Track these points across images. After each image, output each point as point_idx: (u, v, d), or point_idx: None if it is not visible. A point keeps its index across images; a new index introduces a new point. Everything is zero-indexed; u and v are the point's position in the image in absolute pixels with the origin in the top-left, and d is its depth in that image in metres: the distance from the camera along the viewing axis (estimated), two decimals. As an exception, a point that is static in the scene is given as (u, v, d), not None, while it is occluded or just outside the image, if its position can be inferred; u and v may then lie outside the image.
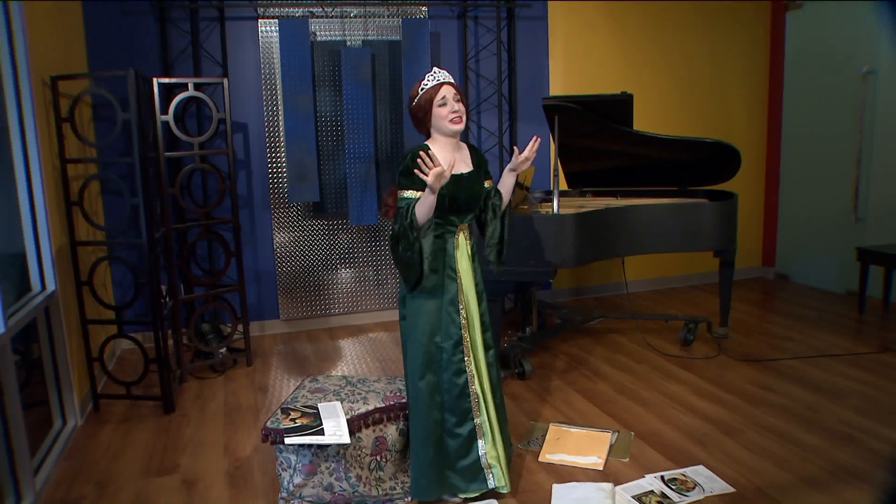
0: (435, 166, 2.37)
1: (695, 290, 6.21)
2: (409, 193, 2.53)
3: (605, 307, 5.70)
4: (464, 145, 2.75)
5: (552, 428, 3.39)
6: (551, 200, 4.74)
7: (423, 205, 2.45)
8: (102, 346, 3.91)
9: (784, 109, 6.34)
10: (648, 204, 4.19)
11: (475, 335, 2.70)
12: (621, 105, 3.95)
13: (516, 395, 3.90)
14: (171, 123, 4.10)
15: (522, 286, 4.72)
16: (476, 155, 2.75)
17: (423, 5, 5.18)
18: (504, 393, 3.95)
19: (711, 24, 6.12)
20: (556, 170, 3.81)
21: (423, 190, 2.47)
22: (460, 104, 2.60)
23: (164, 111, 4.10)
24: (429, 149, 2.57)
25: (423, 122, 2.63)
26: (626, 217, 4.00)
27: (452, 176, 2.59)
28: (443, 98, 2.55)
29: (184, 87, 4.18)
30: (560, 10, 5.62)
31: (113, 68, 4.06)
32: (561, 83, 5.71)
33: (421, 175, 2.37)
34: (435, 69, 2.61)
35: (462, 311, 2.65)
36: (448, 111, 2.56)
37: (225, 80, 4.28)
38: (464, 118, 2.60)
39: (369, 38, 5.15)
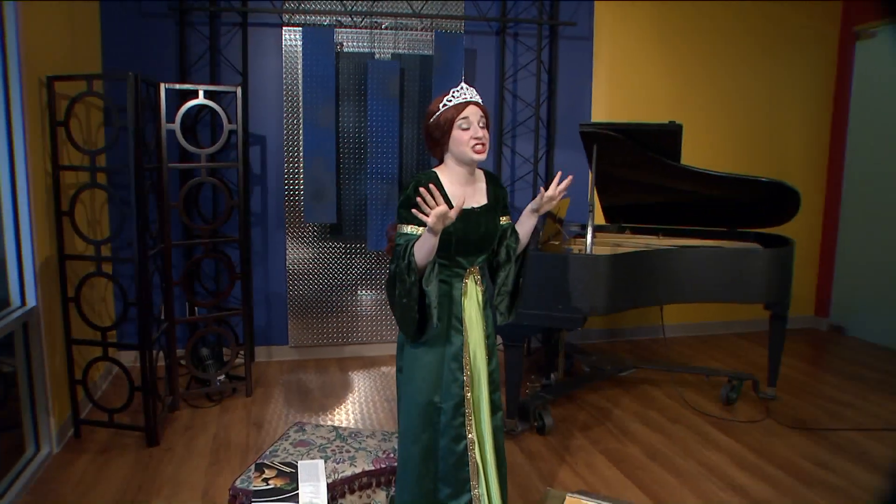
0: (438, 204, 1.99)
1: (738, 339, 5.70)
2: (410, 229, 2.16)
3: (638, 352, 5.24)
4: (481, 174, 2.39)
5: (569, 500, 2.96)
6: (586, 236, 4.34)
7: (423, 246, 2.08)
8: (87, 368, 3.61)
9: (848, 147, 5.83)
10: (693, 247, 3.76)
11: (480, 395, 2.30)
12: (669, 136, 3.53)
13: (533, 452, 3.49)
14: (178, 132, 3.81)
15: (549, 329, 4.31)
16: (494, 187, 2.38)
17: (459, 19, 4.84)
18: (520, 449, 3.55)
19: (771, 52, 5.66)
20: (591, 204, 3.40)
21: (424, 227, 2.11)
22: (485, 130, 2.23)
23: (171, 119, 3.81)
24: (437, 178, 2.22)
25: (438, 143, 2.26)
26: (668, 261, 3.57)
27: (463, 210, 2.23)
28: (466, 120, 2.19)
29: (194, 94, 3.90)
30: (606, 31, 5.24)
31: (116, 70, 3.80)
32: (604, 109, 5.31)
33: (419, 214, 2.01)
34: (463, 85, 2.24)
35: (467, 369, 2.26)
36: (470, 136, 2.19)
37: (238, 89, 3.99)
38: (487, 147, 2.23)
39: (399, 51, 4.83)
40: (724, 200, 4.08)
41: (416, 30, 4.84)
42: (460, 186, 2.25)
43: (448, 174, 2.27)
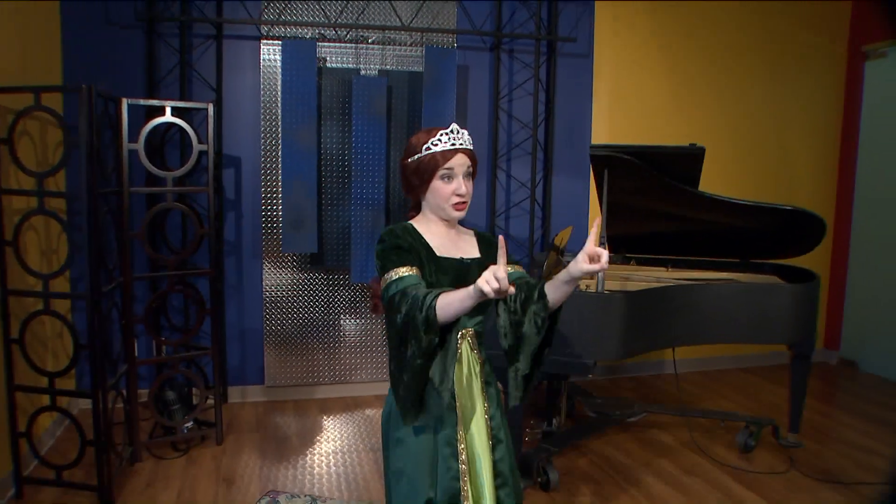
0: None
1: (746, 375, 5.35)
2: (405, 272, 1.79)
3: (643, 391, 4.87)
4: (466, 232, 2.04)
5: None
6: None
7: (453, 304, 1.64)
8: (32, 418, 3.19)
9: (858, 172, 5.55)
10: (714, 282, 3.41)
11: (482, 490, 1.85)
12: (689, 160, 3.20)
13: (538, 514, 3.10)
14: (142, 153, 3.43)
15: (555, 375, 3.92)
16: (484, 243, 2.03)
17: (451, 33, 4.50)
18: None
19: (777, 71, 5.38)
20: (604, 237, 3.04)
21: (412, 265, 1.79)
22: (470, 182, 1.89)
23: (135, 138, 3.43)
24: (413, 230, 1.90)
25: (413, 189, 1.92)
26: (688, 298, 3.22)
27: (454, 261, 1.89)
28: (450, 171, 1.85)
29: (161, 111, 3.52)
30: (607, 48, 4.93)
31: (71, 83, 3.42)
32: (605, 130, 4.98)
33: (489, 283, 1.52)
34: (454, 126, 1.88)
35: (462, 455, 1.85)
36: (452, 191, 1.86)
37: (211, 106, 3.61)
38: (468, 203, 1.89)
39: (387, 67, 4.48)
40: (740, 230, 3.75)
41: (405, 44, 4.50)
42: (442, 239, 1.92)
43: (426, 225, 1.93)
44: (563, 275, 1.74)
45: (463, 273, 1.88)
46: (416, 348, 1.69)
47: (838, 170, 5.69)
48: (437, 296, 1.65)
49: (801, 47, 5.42)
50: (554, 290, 1.77)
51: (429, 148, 1.85)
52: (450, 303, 1.63)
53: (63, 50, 4.04)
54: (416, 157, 1.87)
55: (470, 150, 1.89)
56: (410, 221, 1.95)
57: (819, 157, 5.63)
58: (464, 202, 1.87)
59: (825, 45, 5.50)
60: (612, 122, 4.99)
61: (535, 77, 4.63)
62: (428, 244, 1.88)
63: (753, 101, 5.34)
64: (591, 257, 1.64)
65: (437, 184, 1.85)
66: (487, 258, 1.95)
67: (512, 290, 1.55)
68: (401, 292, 1.74)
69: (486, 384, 1.93)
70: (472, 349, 1.90)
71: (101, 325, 3.12)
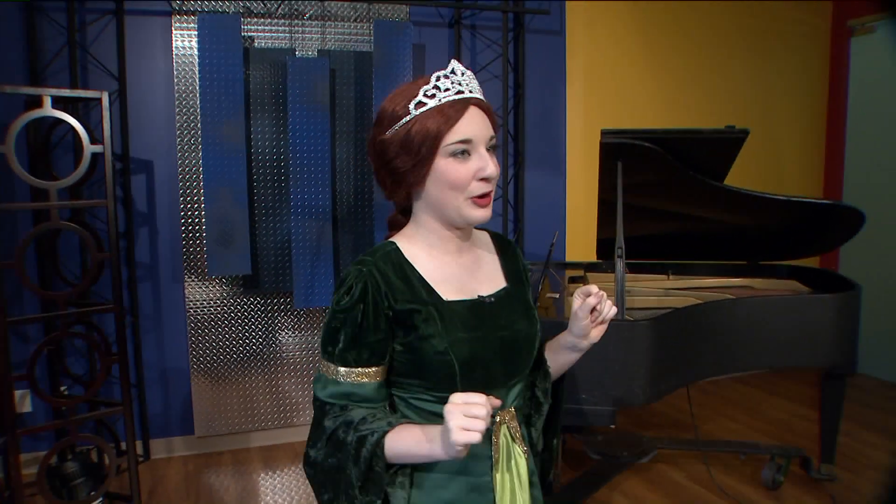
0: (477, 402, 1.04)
1: (741, 386, 4.80)
2: (349, 375, 1.18)
3: (647, 417, 4.24)
4: (480, 237, 1.36)
5: None
6: (584, 281, 3.37)
7: (410, 452, 1.13)
8: None
9: (847, 157, 5.09)
10: (745, 296, 2.82)
11: None
12: (724, 148, 2.57)
13: None
14: (11, 158, 2.61)
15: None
16: (508, 256, 1.36)
17: (403, 3, 3.77)
18: None
19: (760, 49, 4.86)
20: (620, 248, 2.39)
21: (375, 367, 1.16)
22: (494, 158, 1.19)
23: (1, 139, 2.62)
24: (399, 257, 1.22)
25: (402, 180, 1.20)
26: (718, 318, 2.60)
27: (468, 305, 1.21)
28: (467, 143, 1.15)
29: (36, 102, 2.71)
30: (582, 25, 4.30)
31: None
32: (581, 116, 4.36)
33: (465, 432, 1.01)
34: (454, 65, 1.18)
35: None
36: (470, 174, 1.16)
37: (104, 96, 2.82)
38: (493, 195, 1.21)
39: (328, 47, 3.74)
40: (758, 228, 3.18)
41: (349, 20, 3.77)
42: (450, 265, 1.23)
43: (422, 245, 1.23)
44: (566, 340, 1.31)
45: (490, 319, 1.21)
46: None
47: (825, 152, 5.23)
48: (382, 435, 1.10)
49: (784, 23, 4.92)
50: (554, 356, 1.35)
51: (422, 103, 1.15)
52: (404, 451, 1.12)
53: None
54: (401, 122, 1.16)
55: (484, 100, 1.19)
56: (394, 241, 1.25)
57: (806, 140, 5.15)
58: (490, 191, 1.18)
59: (808, 20, 5.02)
60: (587, 106, 4.36)
61: (504, 57, 3.94)
62: (426, 282, 1.19)
63: (736, 80, 4.81)
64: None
65: (443, 164, 1.15)
66: (515, 286, 1.28)
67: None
68: (335, 408, 1.18)
69: (531, 485, 1.28)
70: (513, 439, 1.23)
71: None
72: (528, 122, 4.20)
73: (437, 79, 1.15)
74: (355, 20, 3.77)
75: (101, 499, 3.04)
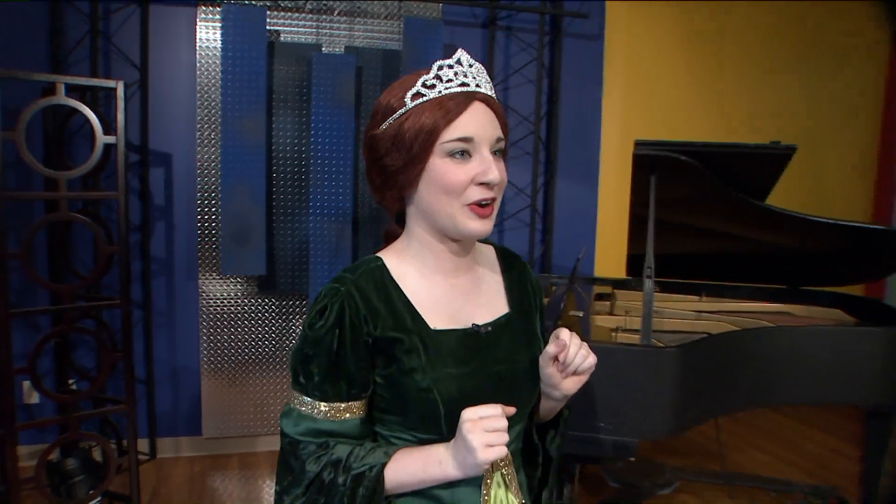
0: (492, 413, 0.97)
1: (775, 415, 4.56)
2: (325, 410, 1.05)
3: (669, 443, 4.05)
4: (484, 252, 1.22)
5: None
6: (613, 299, 3.19)
7: (416, 477, 1.00)
8: None
9: (900, 179, 4.82)
10: (786, 325, 2.62)
11: None
12: (768, 165, 2.39)
13: None
14: (21, 146, 2.54)
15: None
16: (514, 274, 1.22)
17: (436, 1, 3.63)
18: None
19: (810, 62, 4.62)
20: (650, 267, 2.22)
21: (357, 400, 1.03)
22: (501, 163, 1.05)
23: (11, 125, 2.55)
24: (383, 274, 1.08)
25: (393, 181, 1.06)
26: (755, 347, 2.41)
27: (459, 335, 1.06)
28: (467, 142, 1.01)
29: (49, 89, 2.64)
30: (621, 30, 4.12)
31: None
32: (617, 125, 4.18)
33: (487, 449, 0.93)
34: (460, 54, 1.04)
35: None
36: (467, 178, 1.02)
37: (119, 85, 2.74)
38: (497, 205, 1.06)
39: (355, 43, 3.63)
40: (801, 251, 2.97)
41: (379, 16, 3.65)
42: (442, 286, 1.09)
43: (412, 262, 1.09)
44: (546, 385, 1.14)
45: (485, 351, 1.07)
46: None
47: (876, 175, 4.95)
48: (380, 467, 0.99)
49: (839, 35, 4.67)
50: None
51: (420, 94, 1.01)
52: (407, 478, 1.00)
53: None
54: (396, 115, 1.02)
55: (491, 95, 1.05)
56: (381, 256, 1.11)
57: (855, 161, 4.89)
58: (491, 200, 1.03)
59: (867, 32, 4.76)
60: (625, 117, 4.18)
61: (539, 61, 3.79)
62: (412, 306, 1.05)
63: (784, 94, 4.58)
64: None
65: (438, 164, 1.01)
66: (520, 312, 1.14)
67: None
68: (310, 446, 1.04)
69: None
70: (507, 486, 1.08)
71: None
72: (562, 130, 4.04)
73: (440, 68, 1.02)
74: (385, 17, 3.65)
75: (99, 498, 2.96)
